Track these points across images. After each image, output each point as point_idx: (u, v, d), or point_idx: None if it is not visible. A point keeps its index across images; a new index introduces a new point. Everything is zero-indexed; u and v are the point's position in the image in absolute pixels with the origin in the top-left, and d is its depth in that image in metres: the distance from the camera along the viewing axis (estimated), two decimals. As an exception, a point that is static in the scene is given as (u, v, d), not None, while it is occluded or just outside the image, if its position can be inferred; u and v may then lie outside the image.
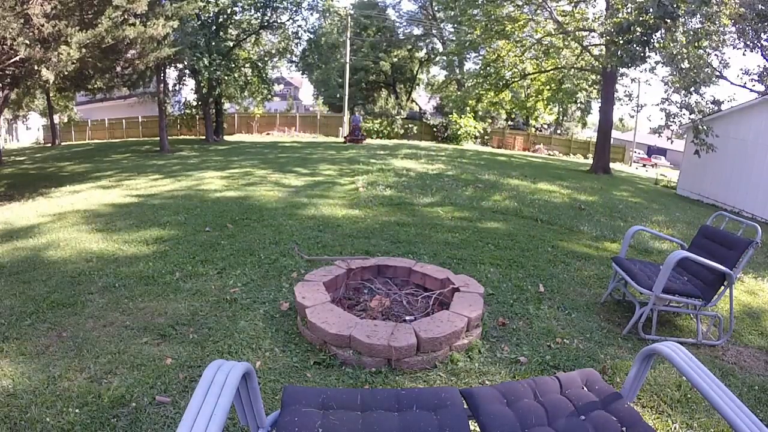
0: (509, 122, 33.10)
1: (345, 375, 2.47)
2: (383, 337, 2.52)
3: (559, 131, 33.90)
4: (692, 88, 11.75)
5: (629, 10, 12.79)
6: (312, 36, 24.93)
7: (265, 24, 20.77)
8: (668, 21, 10.62)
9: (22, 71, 8.21)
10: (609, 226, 6.53)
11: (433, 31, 32.20)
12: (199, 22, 17.93)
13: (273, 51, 22.32)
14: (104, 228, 5.25)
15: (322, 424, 1.44)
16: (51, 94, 20.01)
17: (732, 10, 12.01)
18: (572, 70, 18.95)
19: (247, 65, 21.33)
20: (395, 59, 32.03)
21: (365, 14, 30.61)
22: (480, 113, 27.98)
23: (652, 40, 11.52)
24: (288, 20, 21.43)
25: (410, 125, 29.51)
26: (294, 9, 20.92)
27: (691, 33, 12.03)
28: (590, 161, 20.38)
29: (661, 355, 1.56)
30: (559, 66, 19.22)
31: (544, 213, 7.02)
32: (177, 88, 20.28)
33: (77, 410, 2.11)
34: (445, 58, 30.47)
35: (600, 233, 6.07)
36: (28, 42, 7.25)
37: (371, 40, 30.87)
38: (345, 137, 22.36)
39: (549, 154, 28.36)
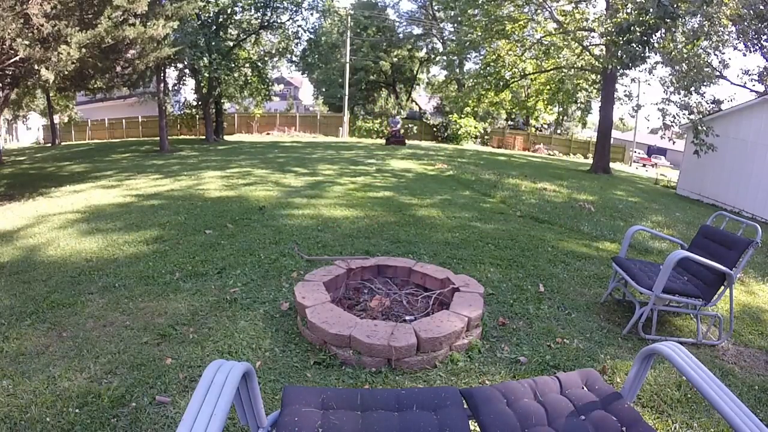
0: (509, 122, 33.12)
1: (345, 375, 2.47)
2: (383, 337, 2.52)
3: (559, 131, 33.90)
4: (692, 88, 11.74)
5: (629, 10, 12.79)
6: (312, 36, 24.89)
7: (265, 24, 20.78)
8: (668, 21, 10.62)
9: (22, 71, 8.20)
10: (609, 226, 6.52)
11: (433, 31, 32.20)
12: (199, 22, 17.94)
13: (273, 51, 22.32)
14: (104, 228, 5.25)
15: (322, 424, 1.43)
16: (51, 94, 19.99)
17: (732, 11, 12.00)
18: (572, 69, 18.95)
19: (247, 65, 21.34)
20: (395, 59, 32.05)
21: (365, 14, 30.60)
22: (480, 113, 27.99)
23: (652, 40, 11.51)
24: (288, 20, 21.46)
25: (410, 125, 29.54)
26: (294, 9, 20.93)
27: (691, 32, 12.02)
28: (590, 161, 20.39)
29: (661, 355, 1.56)
30: (559, 66, 19.22)
31: (544, 213, 7.02)
32: (177, 88, 20.28)
33: (77, 410, 2.11)
34: (445, 58, 30.46)
35: (600, 233, 6.07)
36: (27, 42, 7.24)
37: (371, 40, 30.87)
38: (387, 139, 22.84)
39: (549, 154, 28.37)
